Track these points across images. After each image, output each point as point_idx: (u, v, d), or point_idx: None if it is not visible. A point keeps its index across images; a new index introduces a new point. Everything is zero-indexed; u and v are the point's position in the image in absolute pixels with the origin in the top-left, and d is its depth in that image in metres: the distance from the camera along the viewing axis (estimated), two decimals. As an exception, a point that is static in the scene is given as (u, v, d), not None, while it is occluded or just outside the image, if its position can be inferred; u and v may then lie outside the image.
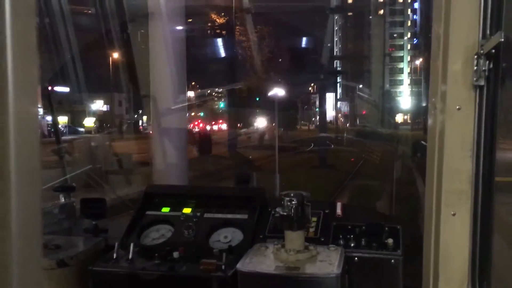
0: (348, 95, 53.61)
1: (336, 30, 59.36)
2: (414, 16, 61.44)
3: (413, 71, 59.19)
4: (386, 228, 2.21)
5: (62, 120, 31.64)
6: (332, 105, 54.09)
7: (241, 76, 31.75)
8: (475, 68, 1.31)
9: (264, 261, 1.96)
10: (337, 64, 55.13)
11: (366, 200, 10.10)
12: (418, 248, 1.64)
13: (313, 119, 55.73)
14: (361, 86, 43.33)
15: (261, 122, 39.06)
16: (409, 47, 65.13)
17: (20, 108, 0.73)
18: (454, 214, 1.37)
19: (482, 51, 1.29)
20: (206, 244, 2.29)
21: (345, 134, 34.84)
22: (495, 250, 1.36)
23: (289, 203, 1.95)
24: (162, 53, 4.32)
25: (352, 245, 2.15)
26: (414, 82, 56.50)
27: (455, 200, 1.37)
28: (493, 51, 1.27)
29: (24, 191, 0.74)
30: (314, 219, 2.31)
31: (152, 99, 4.39)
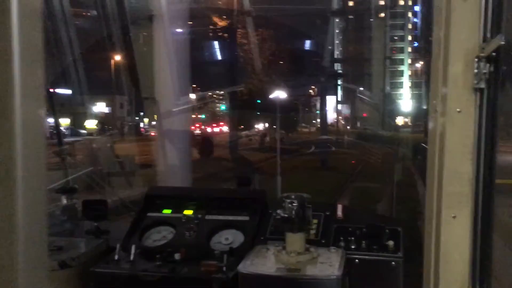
0: (349, 97, 53.56)
1: (336, 33, 59.37)
2: (415, 19, 61.46)
3: (414, 74, 59.23)
4: (387, 230, 2.22)
5: (65, 122, 31.66)
6: (332, 108, 54.11)
7: (242, 79, 31.76)
8: (476, 71, 1.31)
9: (265, 263, 1.97)
10: (337, 66, 55.19)
11: (367, 202, 10.09)
12: (418, 250, 1.65)
13: (314, 121, 55.77)
14: (361, 88, 43.28)
15: (262, 125, 39.06)
16: (409, 50, 65.13)
17: (27, 111, 0.74)
18: (454, 217, 1.37)
19: (482, 54, 1.30)
20: (207, 246, 2.29)
21: (345, 137, 34.79)
22: (495, 252, 1.37)
23: (290, 205, 1.96)
24: (166, 55, 4.34)
25: (352, 247, 2.15)
26: (414, 85, 56.53)
27: (455, 202, 1.37)
28: (494, 54, 1.28)
29: (30, 192, 0.75)
30: (315, 221, 2.31)
31: (156, 101, 4.41)
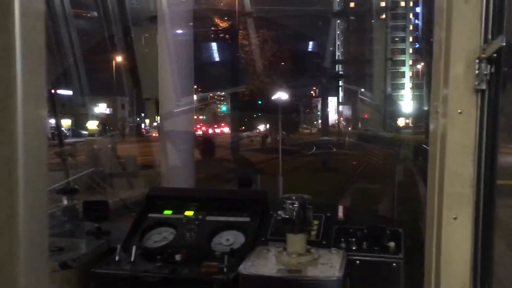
0: (350, 98, 53.59)
1: (338, 34, 59.41)
2: (416, 21, 61.47)
3: (415, 75, 59.22)
4: (388, 232, 2.22)
5: (66, 123, 31.74)
6: (334, 109, 54.13)
7: (243, 80, 31.80)
8: (477, 72, 1.31)
9: (266, 264, 1.97)
10: (339, 68, 55.23)
11: (368, 203, 10.09)
12: (419, 251, 1.64)
13: (315, 122, 55.78)
14: (363, 90, 43.31)
15: (263, 126, 39.08)
16: (411, 51, 65.13)
17: (29, 112, 0.74)
18: (455, 218, 1.37)
19: (483, 55, 1.30)
20: (208, 247, 2.29)
21: (346, 138, 34.80)
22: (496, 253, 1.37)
23: (291, 206, 1.96)
24: (170, 56, 4.35)
25: (353, 248, 2.15)
26: (415, 86, 56.53)
27: (456, 203, 1.37)
28: (495, 55, 1.28)
29: (31, 193, 0.75)
30: (316, 222, 2.31)
31: (159, 102, 4.42)
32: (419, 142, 14.75)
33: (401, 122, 44.42)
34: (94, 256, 2.29)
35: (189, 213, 2.51)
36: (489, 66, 1.30)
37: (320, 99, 51.12)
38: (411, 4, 60.70)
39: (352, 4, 55.05)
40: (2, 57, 0.71)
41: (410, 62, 64.15)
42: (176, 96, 4.39)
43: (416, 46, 61.02)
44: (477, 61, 1.31)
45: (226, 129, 43.26)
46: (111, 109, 44.02)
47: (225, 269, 2.00)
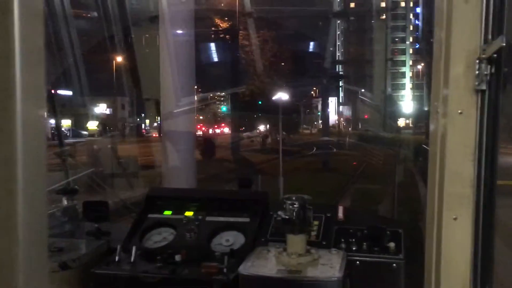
0: (350, 99, 53.62)
1: (338, 34, 59.44)
2: (416, 21, 61.48)
3: (415, 76, 59.21)
4: (388, 232, 2.21)
5: (66, 123, 31.76)
6: (334, 109, 54.15)
7: (243, 80, 31.81)
8: (477, 72, 1.31)
9: (265, 264, 1.97)
10: (339, 68, 55.25)
11: (369, 203, 10.10)
12: (420, 251, 1.64)
13: (315, 123, 55.78)
14: (363, 90, 43.32)
15: (263, 126, 39.10)
16: (411, 51, 65.14)
17: (28, 112, 0.74)
18: (455, 218, 1.37)
19: (483, 56, 1.30)
20: (208, 247, 2.29)
21: (347, 138, 34.80)
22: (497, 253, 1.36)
23: (290, 207, 1.96)
24: (171, 56, 4.35)
25: (354, 248, 2.15)
26: (416, 87, 56.50)
27: (456, 204, 1.37)
28: (495, 55, 1.28)
29: (30, 193, 0.75)
30: (316, 222, 2.31)
31: (161, 102, 4.42)
32: (419, 143, 14.75)
33: (401, 122, 44.42)
34: (94, 256, 2.29)
35: (189, 213, 2.50)
36: (489, 66, 1.30)
37: (320, 99, 51.15)
38: (411, 4, 60.73)
39: (352, 5, 55.08)
40: (1, 57, 0.71)
41: (410, 63, 64.17)
42: (178, 96, 4.40)
43: (417, 47, 61.04)
44: (477, 61, 1.31)
45: (226, 130, 43.29)
46: (111, 109, 44.02)
47: (225, 270, 1.99)
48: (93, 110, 38.99)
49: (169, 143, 4.42)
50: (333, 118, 53.78)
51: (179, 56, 4.42)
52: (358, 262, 2.10)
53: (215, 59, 32.64)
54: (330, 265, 1.93)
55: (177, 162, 4.34)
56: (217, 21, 30.64)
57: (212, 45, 32.61)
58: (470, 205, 1.36)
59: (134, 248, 2.19)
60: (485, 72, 1.30)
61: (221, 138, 33.41)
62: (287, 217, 1.96)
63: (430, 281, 1.48)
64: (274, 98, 28.79)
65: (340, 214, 2.39)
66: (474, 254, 1.37)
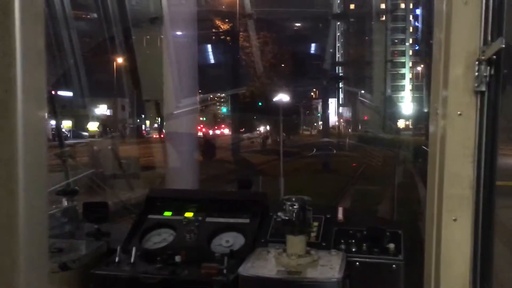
0: (350, 100, 53.61)
1: (338, 36, 59.46)
2: (416, 23, 61.49)
3: (415, 77, 59.21)
4: (388, 233, 2.22)
5: (67, 124, 31.76)
6: (334, 111, 54.12)
7: (244, 81, 31.81)
8: (476, 73, 1.31)
9: (265, 265, 1.97)
10: (339, 69, 55.26)
11: (368, 204, 10.10)
12: (419, 252, 1.64)
13: (315, 124, 55.78)
14: (363, 91, 43.33)
15: (263, 127, 39.11)
16: (410, 53, 65.14)
17: (28, 113, 0.74)
18: (455, 220, 1.37)
19: (483, 57, 1.30)
20: (207, 248, 2.29)
21: (347, 139, 34.80)
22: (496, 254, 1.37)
23: (290, 208, 1.96)
24: (173, 57, 4.36)
25: (353, 249, 2.15)
26: (415, 88, 56.50)
27: (456, 205, 1.37)
28: (494, 57, 1.28)
29: (31, 193, 0.75)
30: (316, 223, 2.31)
31: (164, 103, 4.43)
32: (418, 144, 14.76)
33: (401, 123, 44.42)
34: (94, 257, 2.29)
35: (189, 214, 2.50)
36: (488, 68, 1.30)
37: (320, 100, 51.17)
38: (411, 6, 60.74)
39: (352, 6, 55.13)
40: (2, 58, 0.71)
41: (410, 64, 64.15)
42: (181, 97, 4.41)
43: (416, 48, 61.05)
44: (477, 63, 1.31)
45: (226, 131, 43.28)
46: (112, 110, 44.01)
47: (224, 271, 1.99)
48: (94, 111, 39.01)
49: (172, 144, 4.43)
50: (333, 119, 53.73)
51: (182, 57, 4.43)
52: (357, 263, 2.10)
53: (216, 60, 32.67)
54: (329, 266, 1.93)
55: (180, 163, 4.35)
56: (218, 22, 30.67)
57: (213, 47, 32.64)
58: (469, 206, 1.36)
59: (134, 249, 2.19)
60: (485, 74, 1.30)
61: (221, 139, 33.41)
62: (287, 218, 1.96)
63: (429, 282, 1.48)
64: (274, 99, 28.80)
65: (340, 215, 2.39)
66: (473, 255, 1.37)
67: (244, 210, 2.48)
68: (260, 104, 33.42)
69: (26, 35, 0.73)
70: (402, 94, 62.65)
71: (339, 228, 2.31)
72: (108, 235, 2.52)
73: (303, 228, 2.00)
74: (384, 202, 9.44)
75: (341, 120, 55.90)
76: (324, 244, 2.21)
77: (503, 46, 1.24)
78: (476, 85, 1.32)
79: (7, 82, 0.71)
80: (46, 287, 0.84)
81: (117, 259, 2.16)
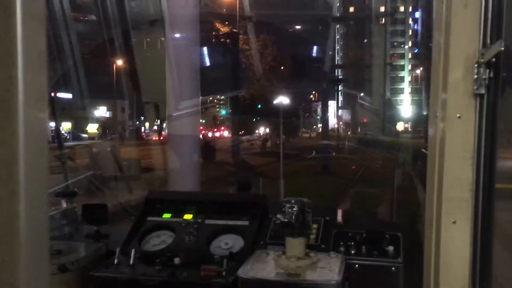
0: (349, 103, 53.69)
1: (337, 38, 59.58)
2: (415, 26, 61.61)
3: (414, 80, 59.29)
4: (387, 236, 2.21)
5: (66, 126, 31.76)
6: (333, 113, 54.19)
7: (243, 84, 31.86)
8: (476, 76, 1.32)
9: (264, 267, 1.97)
10: (338, 72, 55.35)
11: (368, 207, 10.11)
12: (419, 255, 1.64)
13: (314, 126, 55.85)
14: (362, 94, 43.41)
15: (263, 129, 39.14)
16: (410, 56, 65.24)
17: (30, 114, 0.75)
18: (454, 222, 1.37)
19: (482, 60, 1.31)
20: (207, 250, 2.29)
21: (346, 142, 34.84)
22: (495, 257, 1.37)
23: (290, 210, 1.96)
24: (177, 60, 4.36)
25: (352, 252, 2.15)
26: (415, 91, 56.56)
27: (455, 208, 1.37)
28: (493, 60, 1.28)
29: (32, 195, 0.75)
30: (315, 226, 2.31)
31: (167, 105, 4.43)
32: (418, 147, 14.79)
33: (400, 126, 44.49)
34: (93, 259, 2.28)
35: (188, 216, 2.50)
36: (487, 70, 1.30)
37: (319, 103, 51.25)
38: (410, 9, 60.92)
39: (351, 9, 55.26)
40: (4, 59, 0.71)
41: (409, 67, 64.24)
42: (183, 99, 4.41)
43: (415, 51, 61.15)
44: (476, 65, 1.31)
45: (226, 133, 43.30)
46: (111, 112, 44.01)
47: (224, 273, 1.99)
48: (93, 113, 39.03)
49: (175, 146, 4.44)
50: (332, 121, 53.83)
51: (184, 59, 4.44)
52: (357, 265, 2.10)
53: (215, 62, 32.70)
54: (329, 268, 1.93)
55: (183, 165, 4.35)
56: (218, 25, 30.72)
57: (212, 49, 32.68)
58: (468, 208, 1.36)
59: (133, 251, 2.18)
60: (484, 77, 1.31)
61: (221, 142, 33.42)
62: (286, 220, 1.95)
63: (429, 284, 1.48)
64: (274, 101, 28.84)
65: (339, 217, 2.39)
66: (472, 257, 1.37)
67: (243, 212, 2.47)
68: (259, 106, 33.47)
69: (27, 36, 0.73)
70: (401, 97, 62.75)
71: (339, 231, 2.31)
72: (107, 237, 2.52)
73: (303, 230, 2.00)
74: (383, 205, 9.44)
75: (341, 122, 55.97)
76: (323, 246, 2.21)
77: (502, 49, 1.24)
78: (475, 88, 1.32)
79: (8, 83, 0.71)
80: (48, 287, 0.84)
81: (116, 261, 2.16)
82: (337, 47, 61.45)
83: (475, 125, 1.34)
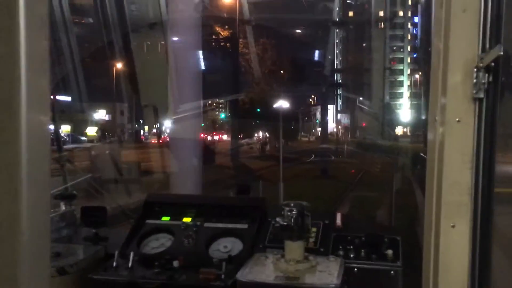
0: (349, 107, 53.75)
1: (336, 43, 59.71)
2: (414, 30, 61.78)
3: (413, 85, 59.38)
4: (386, 239, 2.22)
5: (65, 129, 31.72)
6: (332, 117, 54.25)
7: (242, 88, 31.90)
8: (475, 81, 1.32)
9: (263, 271, 1.96)
10: (337, 76, 55.46)
11: (367, 210, 10.11)
12: (418, 259, 1.64)
13: (313, 130, 55.89)
14: (361, 98, 43.49)
15: (262, 133, 39.16)
16: (409, 60, 65.36)
17: (32, 117, 0.75)
18: (453, 226, 1.38)
19: (481, 64, 1.31)
20: (205, 254, 2.29)
21: (345, 146, 34.87)
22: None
23: (289, 213, 1.96)
24: (175, 63, 4.38)
25: (351, 256, 2.15)
26: (413, 95, 56.64)
27: (454, 212, 1.37)
28: (493, 64, 1.29)
29: (34, 196, 0.76)
30: (314, 229, 2.31)
31: (169, 108, 4.45)
32: (416, 151, 14.80)
33: (399, 130, 44.53)
34: (92, 262, 2.28)
35: (187, 219, 2.50)
36: (487, 75, 1.31)
37: (318, 107, 51.32)
38: (410, 14, 61.08)
39: (351, 14, 55.42)
40: (7, 62, 0.72)
41: (408, 72, 64.34)
42: (185, 102, 4.43)
43: (414, 56, 61.29)
44: (475, 70, 1.32)
45: (225, 137, 43.31)
46: (110, 115, 43.99)
47: (223, 276, 1.99)
48: (92, 116, 39.02)
49: (176, 149, 4.45)
50: (331, 125, 53.89)
51: (186, 63, 4.46)
52: (356, 269, 2.10)
53: (215, 66, 32.74)
54: (328, 272, 1.93)
55: (185, 168, 4.36)
56: (217, 29, 30.79)
57: (212, 53, 32.72)
58: (468, 212, 1.36)
59: (132, 254, 2.18)
60: (483, 81, 1.31)
61: (220, 145, 33.44)
62: (285, 223, 1.95)
63: (428, 288, 1.48)
64: (273, 105, 28.87)
65: (338, 221, 2.39)
66: (472, 262, 1.37)
67: (242, 215, 2.47)
68: (258, 110, 33.49)
69: (30, 38, 0.74)
70: (400, 101, 62.81)
71: (338, 234, 2.31)
72: (106, 240, 2.52)
73: (302, 233, 2.00)
74: (382, 208, 9.44)
75: (340, 126, 56.02)
76: (322, 250, 2.21)
77: (501, 53, 1.25)
78: (474, 92, 1.32)
79: (11, 84, 0.72)
80: (49, 286, 0.84)
81: (115, 264, 2.15)
82: (337, 51, 61.58)
83: (474, 129, 1.34)
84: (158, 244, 2.41)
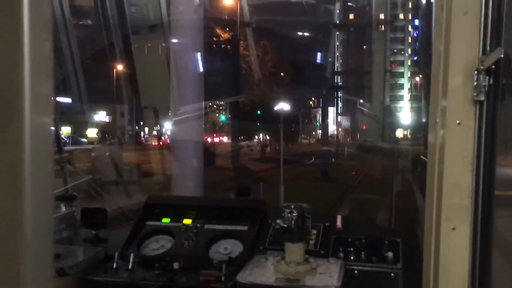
0: (349, 109, 53.77)
1: (337, 45, 59.76)
2: (415, 33, 61.83)
3: (413, 87, 59.39)
4: (386, 242, 2.21)
5: (66, 130, 31.72)
6: (332, 119, 54.27)
7: (243, 90, 31.92)
8: (475, 83, 1.32)
9: (264, 273, 1.96)
10: (338, 79, 55.50)
11: (367, 212, 10.11)
12: (418, 261, 1.64)
13: (313, 133, 55.87)
14: (361, 101, 43.50)
15: (262, 135, 39.16)
16: (409, 63, 65.37)
17: (36, 118, 0.75)
18: (454, 229, 1.37)
19: (482, 67, 1.31)
20: (206, 255, 2.29)
21: (345, 148, 34.87)
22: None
23: (289, 215, 1.96)
24: (175, 65, 4.38)
25: (352, 258, 2.15)
26: (414, 98, 56.65)
27: (455, 214, 1.37)
28: (493, 66, 1.29)
29: (37, 195, 0.76)
30: (314, 231, 2.30)
31: (171, 110, 4.46)
32: (417, 153, 14.80)
33: (399, 133, 44.54)
34: (92, 263, 2.28)
35: (187, 221, 2.50)
36: (487, 77, 1.31)
37: (318, 109, 51.35)
38: (410, 16, 61.13)
39: (351, 16, 55.50)
40: (11, 64, 0.72)
41: (409, 74, 64.35)
42: (187, 103, 4.44)
43: (415, 58, 61.32)
44: (476, 72, 1.32)
45: (225, 139, 43.30)
46: (111, 117, 43.98)
47: (223, 278, 1.99)
48: (93, 117, 39.02)
49: (178, 150, 4.45)
50: (331, 128, 53.91)
51: (187, 65, 4.47)
52: (356, 271, 2.10)
53: (215, 68, 32.77)
54: (328, 274, 1.93)
55: (186, 169, 4.36)
56: (218, 31, 30.83)
57: (212, 55, 32.74)
58: (468, 215, 1.36)
59: (132, 256, 2.18)
60: (484, 83, 1.31)
61: (220, 147, 33.46)
62: (285, 225, 1.95)
63: (428, 291, 1.47)
64: (273, 107, 28.89)
65: (339, 223, 2.39)
66: (472, 264, 1.37)
67: (242, 217, 2.47)
68: (259, 112, 33.50)
69: (34, 40, 0.74)
70: (401, 103, 62.79)
71: (338, 236, 2.31)
72: (106, 241, 2.51)
73: (302, 235, 2.00)
74: (382, 211, 9.44)
75: (340, 129, 56.02)
76: (322, 252, 2.21)
77: (502, 56, 1.25)
78: (475, 94, 1.33)
79: (15, 85, 0.72)
80: (52, 286, 0.84)
81: (115, 265, 2.15)
82: (337, 54, 61.61)
83: (474, 132, 1.34)
84: (158, 245, 2.41)
